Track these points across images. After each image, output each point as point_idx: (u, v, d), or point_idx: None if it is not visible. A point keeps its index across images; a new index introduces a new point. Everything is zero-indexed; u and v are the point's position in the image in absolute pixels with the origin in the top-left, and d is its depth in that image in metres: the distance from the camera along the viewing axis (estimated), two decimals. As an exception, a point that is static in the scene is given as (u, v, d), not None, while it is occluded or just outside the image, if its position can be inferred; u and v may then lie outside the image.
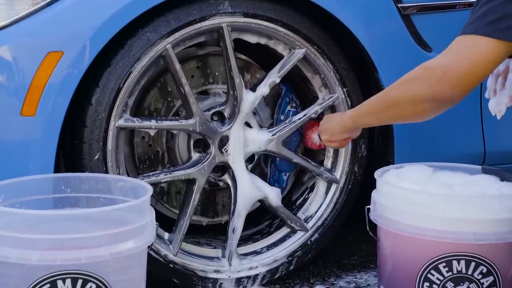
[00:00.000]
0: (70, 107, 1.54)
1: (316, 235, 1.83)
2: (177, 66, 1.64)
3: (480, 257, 1.48)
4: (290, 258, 1.81)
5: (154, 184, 1.66)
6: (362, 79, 1.81)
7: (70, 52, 1.52)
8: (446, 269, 1.49)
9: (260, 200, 1.80)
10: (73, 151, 1.64)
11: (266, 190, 1.77)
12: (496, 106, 1.57)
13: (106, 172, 1.61)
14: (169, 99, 1.82)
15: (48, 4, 1.52)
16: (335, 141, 1.71)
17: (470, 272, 1.49)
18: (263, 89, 1.73)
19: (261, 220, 1.96)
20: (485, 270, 1.49)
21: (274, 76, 1.74)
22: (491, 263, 1.49)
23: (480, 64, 1.32)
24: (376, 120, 1.58)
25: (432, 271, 1.50)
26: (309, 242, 1.83)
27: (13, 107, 1.50)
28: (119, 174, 1.65)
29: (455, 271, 1.49)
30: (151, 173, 1.69)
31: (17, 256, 1.25)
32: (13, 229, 1.28)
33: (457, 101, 1.37)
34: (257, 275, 1.77)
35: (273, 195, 1.78)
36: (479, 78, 1.34)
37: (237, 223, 1.75)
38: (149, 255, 1.51)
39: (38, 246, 1.26)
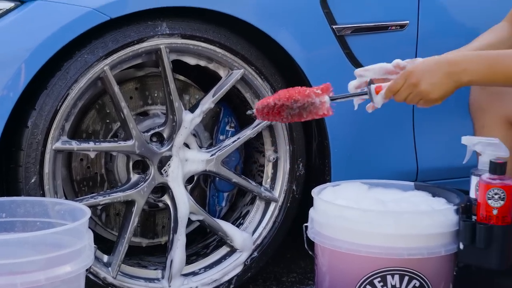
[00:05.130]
0: (5, 130, 1.53)
1: (256, 253, 1.85)
2: (116, 88, 1.65)
3: (413, 271, 1.53)
4: (229, 277, 1.82)
5: (92, 207, 1.66)
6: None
7: (5, 74, 1.51)
8: (381, 284, 1.53)
9: (199, 220, 1.81)
10: (8, 175, 1.62)
11: (235, 235, 1.80)
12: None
13: (43, 195, 1.60)
14: (108, 120, 1.83)
15: (-18, 26, 1.52)
16: (426, 98, 1.51)
17: (404, 286, 1.54)
18: (196, 119, 1.74)
19: (196, 241, 1.97)
20: (418, 284, 1.54)
21: (209, 103, 1.76)
22: (423, 277, 1.54)
23: None
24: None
25: (368, 287, 1.54)
26: (248, 261, 1.84)
27: None
28: (57, 197, 1.63)
29: (389, 286, 1.53)
30: (89, 196, 1.69)
31: (-50, 284, 1.24)
32: None
33: None
34: (197, 295, 1.80)
35: (240, 241, 1.80)
36: None
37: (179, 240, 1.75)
38: (87, 278, 1.50)
39: (-29, 273, 1.25)
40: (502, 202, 1.49)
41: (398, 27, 1.84)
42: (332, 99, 1.55)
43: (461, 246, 1.53)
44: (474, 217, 1.53)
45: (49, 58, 1.55)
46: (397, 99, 1.54)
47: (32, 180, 1.58)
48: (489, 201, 1.49)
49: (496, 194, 1.49)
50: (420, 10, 1.85)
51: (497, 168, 1.50)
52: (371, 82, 1.56)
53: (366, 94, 1.57)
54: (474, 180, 1.56)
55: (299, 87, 1.55)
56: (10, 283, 1.26)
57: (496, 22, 1.72)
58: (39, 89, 1.58)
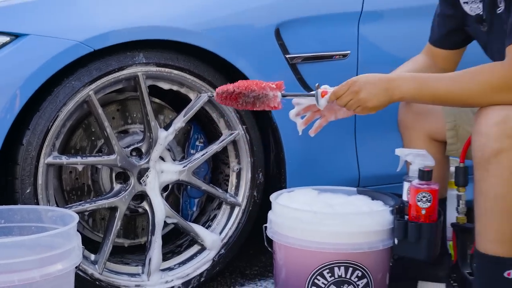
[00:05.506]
0: (3, 147, 1.65)
1: (223, 251, 1.96)
2: (99, 110, 1.78)
3: (356, 263, 1.67)
4: (200, 271, 1.94)
5: (80, 213, 1.79)
6: (258, 117, 1.97)
7: (2, 99, 1.63)
8: (329, 274, 1.67)
9: (174, 223, 1.94)
10: (6, 186, 1.75)
11: (205, 236, 1.92)
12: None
13: (37, 203, 1.71)
14: (93, 138, 1.95)
15: (-18, 58, 1.61)
16: (364, 106, 1.62)
17: (348, 276, 1.68)
18: (170, 136, 1.86)
19: (171, 241, 2.08)
20: (360, 273, 1.68)
21: (180, 122, 1.87)
22: (364, 268, 1.68)
23: None
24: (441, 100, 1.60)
25: (318, 277, 1.68)
26: (216, 258, 1.96)
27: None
28: (49, 205, 1.74)
29: (336, 276, 1.67)
30: (77, 203, 1.81)
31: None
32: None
33: None
34: (173, 287, 1.90)
35: (209, 240, 1.91)
36: None
37: (156, 241, 1.88)
38: (77, 274, 1.62)
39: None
40: (429, 204, 1.63)
41: (341, 56, 1.97)
42: (283, 96, 1.67)
43: (396, 241, 1.67)
44: (406, 217, 1.66)
45: (41, 84, 1.66)
46: (339, 103, 1.65)
47: (27, 191, 1.70)
48: (419, 203, 1.63)
49: (424, 197, 1.62)
50: (359, 42, 1.99)
51: (424, 175, 1.63)
52: (317, 87, 1.68)
53: (313, 95, 1.67)
54: (406, 185, 1.69)
55: (257, 80, 1.66)
56: (9, 280, 1.36)
57: (417, 53, 1.88)
58: (33, 112, 1.70)
